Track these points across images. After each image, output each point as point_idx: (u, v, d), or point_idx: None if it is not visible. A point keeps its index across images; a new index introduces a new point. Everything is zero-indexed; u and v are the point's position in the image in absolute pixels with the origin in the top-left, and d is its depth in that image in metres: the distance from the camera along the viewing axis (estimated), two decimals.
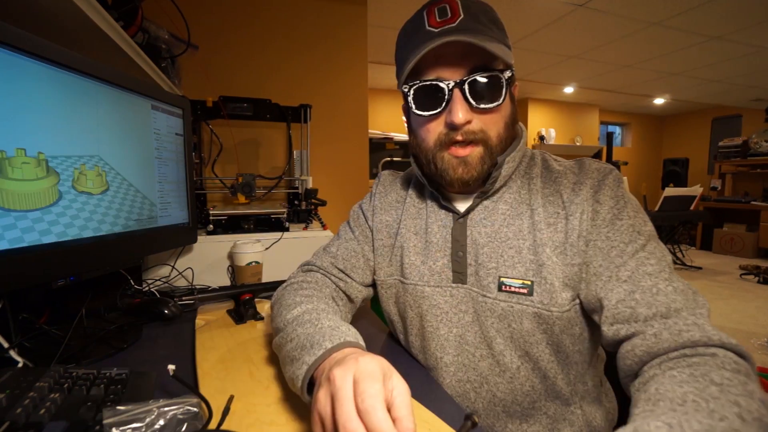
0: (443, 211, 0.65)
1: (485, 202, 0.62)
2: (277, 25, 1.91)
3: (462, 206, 0.64)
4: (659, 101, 5.81)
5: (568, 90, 5.12)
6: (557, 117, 5.84)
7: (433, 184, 0.66)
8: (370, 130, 2.38)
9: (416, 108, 0.58)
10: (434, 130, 0.58)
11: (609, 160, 5.41)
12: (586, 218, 0.55)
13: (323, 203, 1.61)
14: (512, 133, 0.61)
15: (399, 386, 0.37)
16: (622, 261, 0.51)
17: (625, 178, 0.61)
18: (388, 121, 4.95)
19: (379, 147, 4.47)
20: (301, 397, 0.44)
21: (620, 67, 4.05)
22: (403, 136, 4.54)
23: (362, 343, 0.49)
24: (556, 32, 3.08)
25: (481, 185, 0.62)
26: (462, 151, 0.57)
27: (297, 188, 1.69)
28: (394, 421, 0.34)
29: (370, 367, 0.36)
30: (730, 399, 0.37)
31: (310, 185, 1.64)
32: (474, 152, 0.57)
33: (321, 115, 1.96)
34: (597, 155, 5.88)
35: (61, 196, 0.61)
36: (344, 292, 0.72)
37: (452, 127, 0.56)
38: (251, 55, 1.88)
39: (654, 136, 7.20)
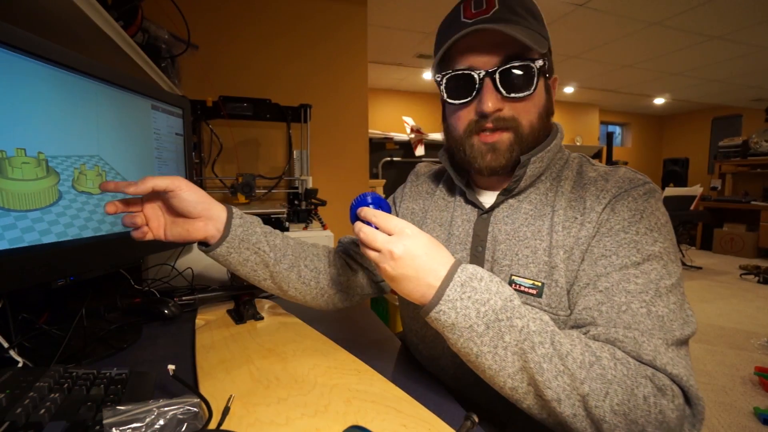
0: (469, 205, 0.66)
1: (510, 200, 0.62)
2: (277, 25, 1.91)
3: (488, 201, 0.64)
4: (659, 101, 5.80)
5: (568, 90, 5.12)
6: (557, 117, 5.64)
7: (462, 179, 0.67)
8: (370, 130, 2.38)
9: (448, 97, 0.59)
10: (465, 118, 0.59)
11: (609, 160, 5.41)
12: (596, 226, 0.54)
13: (323, 203, 1.61)
14: (546, 125, 0.61)
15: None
16: (605, 271, 0.50)
17: (658, 192, 0.59)
18: (388, 121, 4.94)
19: (379, 147, 4.46)
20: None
21: (620, 67, 4.05)
22: (403, 136, 4.53)
23: None
24: (556, 32, 3.08)
25: (508, 177, 0.62)
26: (491, 137, 0.58)
27: (297, 188, 1.69)
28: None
29: None
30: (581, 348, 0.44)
31: (310, 185, 1.64)
32: (503, 138, 0.57)
33: (321, 115, 1.96)
34: (597, 155, 5.88)
35: (61, 196, 0.61)
36: (361, 265, 0.74)
37: (482, 115, 0.57)
38: (251, 55, 1.87)
39: (654, 136, 7.20)
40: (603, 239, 0.52)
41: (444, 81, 0.59)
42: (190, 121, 0.97)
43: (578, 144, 5.86)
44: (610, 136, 5.70)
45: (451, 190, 0.71)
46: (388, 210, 0.52)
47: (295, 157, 1.76)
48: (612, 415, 0.41)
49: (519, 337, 0.43)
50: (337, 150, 2.07)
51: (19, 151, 0.54)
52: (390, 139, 4.48)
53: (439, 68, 0.60)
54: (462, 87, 0.57)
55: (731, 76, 4.26)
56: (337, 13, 2.00)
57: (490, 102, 0.55)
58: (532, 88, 0.56)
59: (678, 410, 0.42)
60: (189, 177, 0.98)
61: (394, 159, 4.54)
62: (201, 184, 1.57)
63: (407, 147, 4.59)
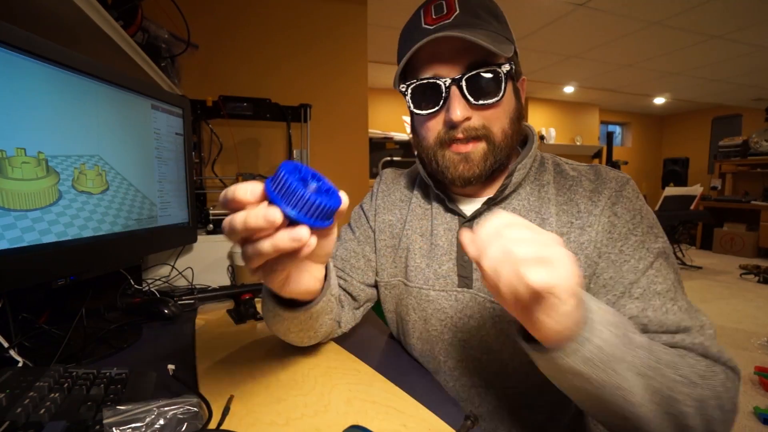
0: (449, 214, 0.64)
1: (493, 208, 0.61)
2: (277, 25, 1.91)
3: (468, 209, 0.63)
4: (659, 101, 5.80)
5: (568, 89, 5.12)
6: (557, 116, 5.83)
7: (439, 186, 0.65)
8: (370, 130, 2.37)
9: (414, 107, 0.57)
10: (434, 129, 0.57)
11: (609, 160, 5.41)
12: (602, 230, 0.54)
13: None
14: (518, 129, 0.59)
15: None
16: (635, 278, 0.51)
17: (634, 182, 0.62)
18: (388, 121, 4.94)
19: (379, 147, 4.46)
20: None
21: (620, 67, 4.05)
22: (403, 136, 4.53)
23: None
24: (556, 32, 3.08)
25: (485, 184, 0.61)
26: (464, 148, 0.56)
27: None
28: None
29: None
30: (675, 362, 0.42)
31: None
32: (477, 148, 0.56)
33: (321, 114, 1.95)
34: (597, 155, 5.89)
35: (61, 196, 0.61)
36: (345, 290, 0.71)
37: (451, 125, 0.55)
38: (251, 55, 1.87)
39: (654, 135, 7.20)
40: (616, 244, 0.53)
41: (409, 91, 0.57)
42: (190, 120, 0.97)
43: (578, 144, 5.87)
44: (610, 136, 5.70)
45: (427, 196, 0.69)
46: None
47: (295, 156, 1.76)
48: (720, 413, 0.43)
49: (648, 357, 0.40)
50: (337, 150, 2.07)
51: (19, 150, 0.54)
52: (390, 139, 4.48)
53: (402, 78, 0.58)
54: (428, 96, 0.56)
55: (731, 76, 4.26)
56: (337, 12, 2.00)
57: (458, 110, 0.53)
58: (501, 94, 0.54)
59: (738, 392, 0.45)
60: (189, 177, 0.98)
61: (394, 159, 4.54)
62: (201, 184, 1.57)
63: (407, 147, 4.59)
